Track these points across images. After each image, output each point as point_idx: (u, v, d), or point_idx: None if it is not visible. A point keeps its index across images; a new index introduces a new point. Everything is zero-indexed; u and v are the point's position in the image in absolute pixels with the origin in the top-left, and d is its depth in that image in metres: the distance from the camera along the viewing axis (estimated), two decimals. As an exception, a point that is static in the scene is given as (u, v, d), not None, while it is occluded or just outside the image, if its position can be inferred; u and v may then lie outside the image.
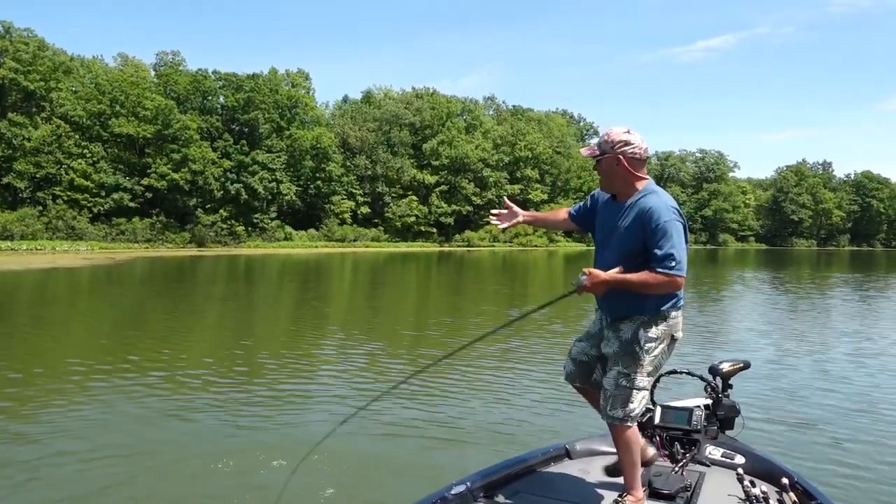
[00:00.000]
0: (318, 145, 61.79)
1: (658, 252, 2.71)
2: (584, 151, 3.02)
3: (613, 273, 2.80)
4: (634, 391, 2.84)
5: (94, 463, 4.85)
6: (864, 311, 16.93)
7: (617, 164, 2.89)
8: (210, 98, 59.68)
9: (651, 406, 3.62)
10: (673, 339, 2.93)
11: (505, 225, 3.33)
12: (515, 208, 3.33)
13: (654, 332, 2.85)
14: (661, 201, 2.80)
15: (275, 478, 4.51)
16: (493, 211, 3.32)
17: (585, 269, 2.83)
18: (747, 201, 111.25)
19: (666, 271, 2.70)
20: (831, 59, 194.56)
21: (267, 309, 16.41)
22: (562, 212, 3.38)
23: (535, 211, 3.22)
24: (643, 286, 2.74)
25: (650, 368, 2.88)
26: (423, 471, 4.78)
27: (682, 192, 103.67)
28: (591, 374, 3.11)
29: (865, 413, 6.53)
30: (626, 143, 2.89)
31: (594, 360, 3.08)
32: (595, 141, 3.08)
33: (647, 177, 2.94)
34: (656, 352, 2.87)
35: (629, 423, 2.86)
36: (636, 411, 2.86)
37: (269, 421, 6.08)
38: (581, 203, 3.27)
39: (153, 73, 61.37)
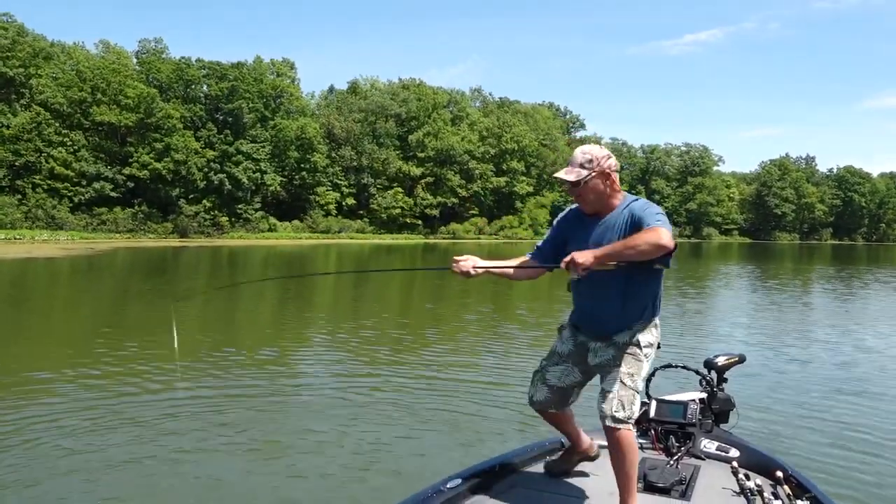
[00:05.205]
0: (304, 136, 61.51)
1: (648, 222, 2.67)
2: (568, 177, 2.81)
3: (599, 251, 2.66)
4: (635, 392, 2.80)
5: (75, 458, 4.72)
6: (855, 305, 17.04)
7: (606, 179, 2.83)
8: (193, 87, 59.18)
9: (646, 400, 3.59)
10: (658, 347, 2.94)
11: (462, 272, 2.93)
12: (472, 260, 2.93)
13: (650, 337, 2.86)
14: (647, 202, 2.83)
15: (250, 472, 4.39)
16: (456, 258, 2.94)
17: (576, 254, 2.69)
18: (731, 195, 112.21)
19: (656, 223, 2.63)
20: (816, 55, 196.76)
21: (248, 302, 16.24)
22: (519, 260, 3.09)
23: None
24: (632, 247, 2.60)
25: (645, 373, 2.86)
26: (417, 466, 4.71)
27: (666, 185, 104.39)
28: (567, 400, 3.04)
29: (860, 406, 6.53)
30: (609, 157, 2.84)
31: (572, 387, 3.01)
32: (565, 172, 2.82)
33: None
34: (651, 356, 2.89)
35: (630, 425, 2.79)
36: (636, 413, 2.82)
37: (246, 410, 5.97)
38: (543, 241, 3.05)
39: (135, 60, 60.65)
